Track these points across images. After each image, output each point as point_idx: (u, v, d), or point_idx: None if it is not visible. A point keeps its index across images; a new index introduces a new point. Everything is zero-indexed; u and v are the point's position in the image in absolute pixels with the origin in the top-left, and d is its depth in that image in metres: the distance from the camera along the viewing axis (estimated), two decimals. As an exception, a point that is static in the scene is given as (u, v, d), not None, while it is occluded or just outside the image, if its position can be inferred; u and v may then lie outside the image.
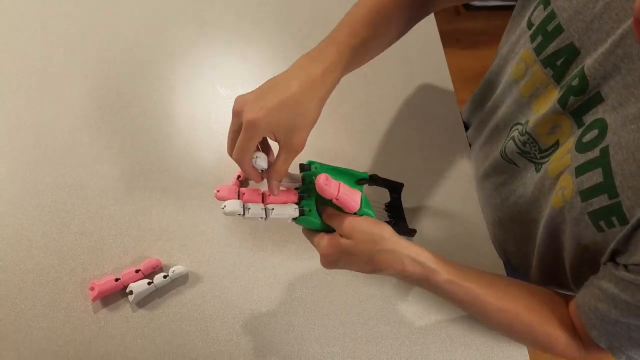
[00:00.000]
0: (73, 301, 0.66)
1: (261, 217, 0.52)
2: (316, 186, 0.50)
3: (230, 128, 0.50)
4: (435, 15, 0.82)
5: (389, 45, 0.62)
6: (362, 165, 0.76)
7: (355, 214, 0.53)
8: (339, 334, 0.66)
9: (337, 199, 0.51)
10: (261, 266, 0.69)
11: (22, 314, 0.65)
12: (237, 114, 0.48)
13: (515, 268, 0.71)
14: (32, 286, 0.67)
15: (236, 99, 0.49)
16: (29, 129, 0.77)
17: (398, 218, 0.65)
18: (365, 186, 0.60)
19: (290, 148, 0.50)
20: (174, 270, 0.66)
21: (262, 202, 0.54)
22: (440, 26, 0.88)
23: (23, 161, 0.75)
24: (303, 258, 0.69)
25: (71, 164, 0.75)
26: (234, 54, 0.86)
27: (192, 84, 0.82)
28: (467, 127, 0.81)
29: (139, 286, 0.65)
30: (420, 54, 0.86)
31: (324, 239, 0.53)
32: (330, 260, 0.54)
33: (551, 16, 0.49)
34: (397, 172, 0.75)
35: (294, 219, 0.54)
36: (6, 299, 0.66)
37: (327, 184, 0.49)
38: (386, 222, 0.58)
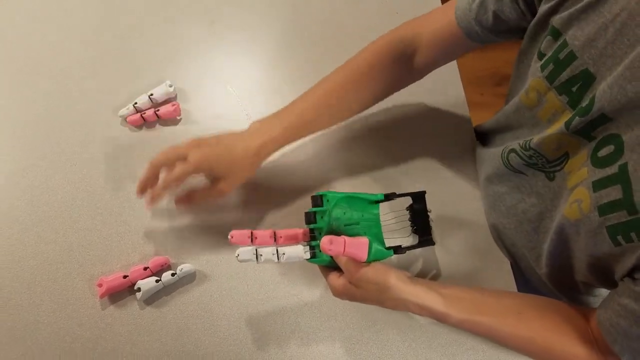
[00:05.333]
0: (81, 297, 0.67)
1: (274, 262, 0.56)
2: (321, 248, 0.53)
3: (173, 148, 0.62)
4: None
5: (353, 114, 0.71)
6: (366, 165, 0.76)
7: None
8: (345, 335, 0.66)
9: (344, 256, 0.54)
10: (268, 266, 0.69)
11: (31, 309, 0.66)
12: (188, 148, 0.62)
13: (524, 270, 0.71)
14: (41, 281, 0.67)
15: (193, 140, 0.63)
16: (39, 125, 0.78)
17: (422, 228, 0.64)
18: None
19: (217, 190, 0.64)
20: (181, 269, 0.66)
21: (275, 240, 0.58)
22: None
23: (33, 157, 0.75)
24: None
25: (81, 160, 0.75)
26: (244, 53, 0.86)
27: (202, 83, 0.82)
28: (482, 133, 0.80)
29: (147, 284, 0.65)
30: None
31: (337, 282, 0.57)
32: (341, 298, 0.59)
33: (563, 45, 0.49)
34: (402, 171, 0.76)
35: (307, 259, 0.57)
36: (15, 293, 0.67)
37: (331, 248, 0.53)
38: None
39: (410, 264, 0.70)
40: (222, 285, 0.68)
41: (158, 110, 0.77)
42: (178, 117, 0.79)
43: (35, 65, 0.82)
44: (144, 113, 0.77)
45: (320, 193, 0.57)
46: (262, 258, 0.55)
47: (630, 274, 0.46)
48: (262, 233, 0.57)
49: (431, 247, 0.65)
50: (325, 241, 0.52)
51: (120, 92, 0.80)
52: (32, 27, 0.86)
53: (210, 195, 0.65)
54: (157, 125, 0.78)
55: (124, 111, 0.77)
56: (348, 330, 0.66)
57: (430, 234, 0.64)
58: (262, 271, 0.69)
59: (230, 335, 0.65)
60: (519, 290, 0.69)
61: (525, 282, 0.71)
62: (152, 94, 0.77)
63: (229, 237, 0.56)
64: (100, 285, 0.65)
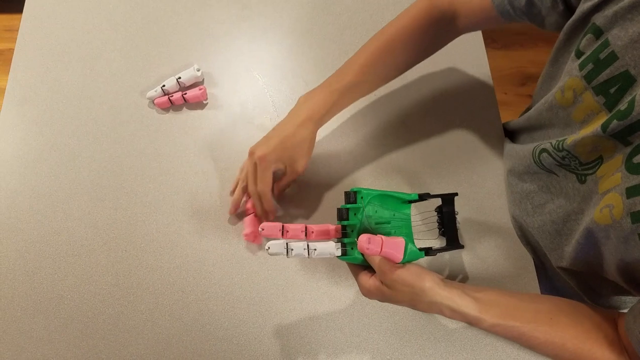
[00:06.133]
0: (104, 274, 0.68)
1: (304, 257, 0.54)
2: (358, 247, 0.52)
3: (247, 169, 0.67)
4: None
5: (393, 78, 0.72)
6: (396, 164, 0.76)
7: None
8: (363, 324, 0.66)
9: (380, 255, 0.52)
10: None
11: (54, 284, 0.67)
12: (251, 154, 0.65)
13: (548, 269, 0.70)
14: (65, 257, 0.69)
15: (250, 148, 0.65)
16: (68, 105, 0.79)
17: (449, 231, 0.63)
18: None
19: (293, 172, 0.66)
20: None
21: (306, 235, 0.57)
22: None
23: (61, 136, 0.76)
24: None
25: (108, 140, 0.76)
26: (272, 40, 0.86)
27: (229, 68, 0.82)
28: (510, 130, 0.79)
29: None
30: (463, 51, 0.85)
31: (368, 281, 0.55)
32: (371, 298, 0.57)
33: (604, 44, 0.48)
34: (431, 166, 0.75)
35: (338, 256, 0.55)
36: (40, 268, 0.68)
37: (369, 247, 0.51)
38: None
39: (439, 265, 0.70)
40: (243, 270, 0.68)
41: (185, 93, 0.78)
42: (205, 101, 0.79)
43: (65, 47, 0.83)
44: (172, 96, 0.78)
45: (355, 189, 0.55)
46: (293, 252, 0.54)
47: None
48: (293, 227, 0.56)
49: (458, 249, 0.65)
50: (363, 239, 0.51)
51: (148, 75, 0.81)
52: (62, 9, 0.86)
53: (289, 179, 0.68)
54: (184, 109, 0.79)
55: (152, 93, 0.78)
56: (366, 320, 0.66)
57: (457, 237, 0.63)
58: (282, 258, 0.69)
59: (249, 319, 0.66)
60: (541, 289, 0.68)
61: (548, 279, 0.70)
62: (180, 77, 0.78)
63: (260, 229, 0.56)
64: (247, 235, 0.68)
